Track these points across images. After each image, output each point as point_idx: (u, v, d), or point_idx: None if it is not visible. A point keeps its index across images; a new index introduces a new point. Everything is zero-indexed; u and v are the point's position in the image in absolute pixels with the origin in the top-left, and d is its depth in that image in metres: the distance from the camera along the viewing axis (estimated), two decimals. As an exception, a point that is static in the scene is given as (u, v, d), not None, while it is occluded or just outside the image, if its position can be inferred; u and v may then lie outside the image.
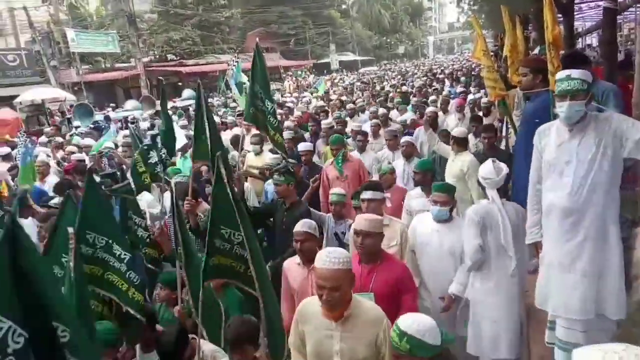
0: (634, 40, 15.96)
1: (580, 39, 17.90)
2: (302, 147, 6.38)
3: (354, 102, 12.79)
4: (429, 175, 4.73)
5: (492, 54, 10.35)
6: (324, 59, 51.17)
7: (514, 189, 4.48)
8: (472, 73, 21.37)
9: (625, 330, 3.21)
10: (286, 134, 6.80)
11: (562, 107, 2.99)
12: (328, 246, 4.52)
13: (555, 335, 3.23)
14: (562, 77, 3.03)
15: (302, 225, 3.58)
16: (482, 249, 3.54)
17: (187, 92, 23.25)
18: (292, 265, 3.72)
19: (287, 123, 9.49)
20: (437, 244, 3.81)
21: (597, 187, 2.94)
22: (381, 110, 9.22)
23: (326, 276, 2.40)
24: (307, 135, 8.67)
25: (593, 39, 22.68)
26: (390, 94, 14.72)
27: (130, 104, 20.99)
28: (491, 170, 3.56)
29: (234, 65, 13.15)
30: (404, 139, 6.28)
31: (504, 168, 3.62)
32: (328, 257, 2.44)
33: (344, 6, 62.88)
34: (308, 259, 3.49)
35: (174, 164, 6.42)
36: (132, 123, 13.50)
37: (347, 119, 9.79)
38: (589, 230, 2.98)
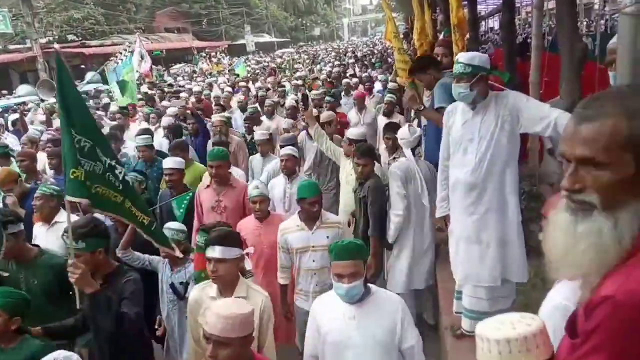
0: (531, 23, 17.14)
1: (483, 22, 18.84)
2: (167, 163, 4.70)
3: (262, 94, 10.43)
4: (318, 205, 3.59)
5: (402, 36, 10.62)
6: (239, 40, 49.98)
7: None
8: (382, 57, 20.80)
9: (526, 295, 3.47)
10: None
11: (453, 89, 3.22)
12: (162, 301, 3.64)
13: (462, 304, 3.42)
14: (455, 61, 3.26)
15: None
16: (406, 197, 4.01)
17: (91, 75, 21.71)
18: None
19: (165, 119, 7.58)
20: (359, 339, 2.45)
21: (496, 161, 3.12)
22: (268, 102, 8.26)
23: None
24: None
25: (495, 23, 24.02)
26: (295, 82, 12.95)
27: (23, 89, 18.09)
28: (406, 132, 4.16)
29: (124, 57, 10.90)
30: (284, 150, 4.80)
31: (418, 131, 4.26)
32: None
33: (257, -15, 61.71)
34: None
35: None
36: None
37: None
38: (490, 203, 3.16)
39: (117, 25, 37.90)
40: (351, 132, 4.96)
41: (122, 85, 10.59)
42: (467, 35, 5.51)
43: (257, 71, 20.83)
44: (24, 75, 28.01)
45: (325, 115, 6.18)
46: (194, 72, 26.64)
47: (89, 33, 34.92)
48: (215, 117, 6.72)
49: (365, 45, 39.60)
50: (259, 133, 6.09)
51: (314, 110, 6.18)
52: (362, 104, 7.89)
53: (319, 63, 22.80)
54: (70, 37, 33.96)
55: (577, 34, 3.87)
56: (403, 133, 4.20)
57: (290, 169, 4.70)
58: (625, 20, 2.40)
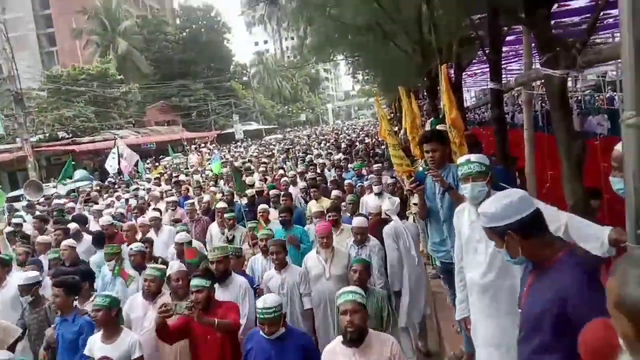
0: (517, 98, 17.74)
1: (468, 113, 19.35)
2: None
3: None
4: None
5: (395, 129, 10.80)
6: (228, 129, 51.24)
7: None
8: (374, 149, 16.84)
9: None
10: None
11: (466, 189, 3.17)
12: None
13: None
14: (463, 162, 3.23)
15: None
16: (398, 250, 5.22)
17: (80, 173, 21.64)
18: None
19: None
20: None
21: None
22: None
23: None
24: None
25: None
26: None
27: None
28: (388, 204, 5.53)
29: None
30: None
31: (397, 200, 5.63)
32: None
33: (245, 78, 64.34)
34: None
35: None
36: None
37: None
38: (507, 305, 3.00)
39: (107, 122, 38.72)
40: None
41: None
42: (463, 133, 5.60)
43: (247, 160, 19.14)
44: (14, 175, 28.00)
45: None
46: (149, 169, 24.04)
47: (79, 130, 35.54)
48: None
49: (351, 131, 39.70)
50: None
51: None
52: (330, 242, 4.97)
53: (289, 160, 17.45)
54: (61, 134, 34.50)
55: (573, 132, 3.85)
56: (387, 205, 5.54)
57: None
58: (629, 131, 2.37)
